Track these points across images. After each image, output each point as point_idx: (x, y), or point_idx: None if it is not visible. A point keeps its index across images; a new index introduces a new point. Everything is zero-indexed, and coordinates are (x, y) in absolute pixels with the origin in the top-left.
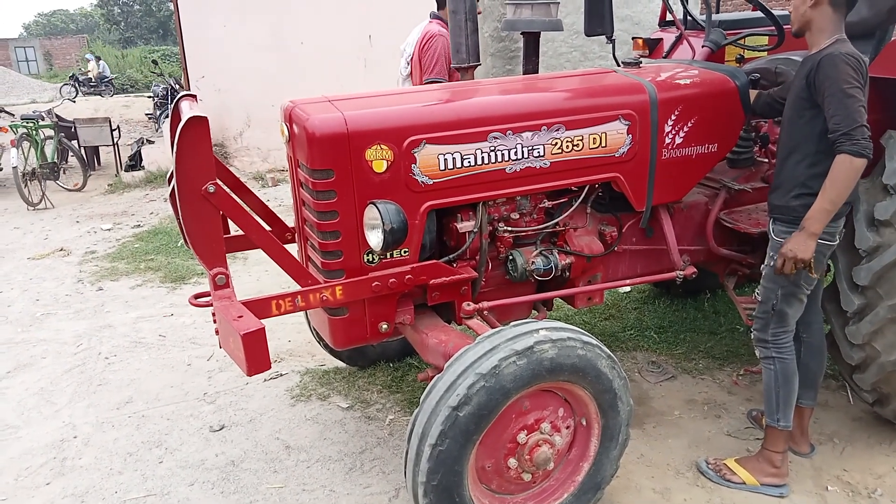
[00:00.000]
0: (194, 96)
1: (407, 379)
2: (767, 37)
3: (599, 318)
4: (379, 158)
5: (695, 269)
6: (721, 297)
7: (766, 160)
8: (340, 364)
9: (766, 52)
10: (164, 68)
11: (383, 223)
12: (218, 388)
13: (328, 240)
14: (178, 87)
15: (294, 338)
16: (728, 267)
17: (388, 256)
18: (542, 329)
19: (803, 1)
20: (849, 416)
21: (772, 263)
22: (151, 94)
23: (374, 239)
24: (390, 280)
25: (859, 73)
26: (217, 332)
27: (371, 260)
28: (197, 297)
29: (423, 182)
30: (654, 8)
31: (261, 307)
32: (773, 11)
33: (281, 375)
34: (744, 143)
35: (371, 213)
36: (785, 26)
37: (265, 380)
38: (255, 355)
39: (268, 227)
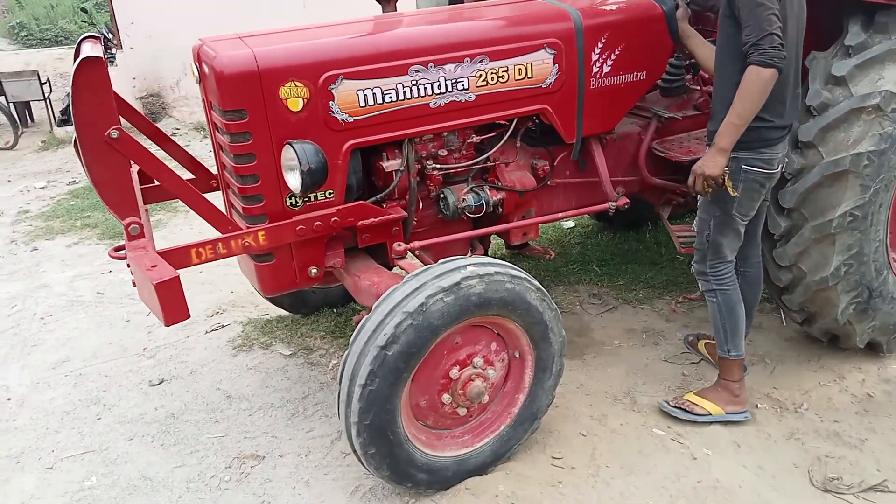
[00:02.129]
0: (98, 37)
1: (350, 324)
2: None
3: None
4: (294, 96)
5: (627, 200)
6: (662, 228)
7: (698, 87)
8: (283, 313)
9: None
10: (96, 17)
11: (300, 164)
12: (158, 342)
13: (247, 184)
14: (110, 35)
15: (237, 289)
16: (663, 196)
17: (312, 199)
18: (469, 265)
19: None
20: (781, 336)
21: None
22: None
23: (293, 180)
24: (315, 223)
25: None
26: (134, 284)
27: (294, 203)
28: (117, 249)
29: (343, 120)
30: None
31: (180, 256)
32: None
33: (223, 327)
34: (675, 71)
35: (288, 154)
36: None
37: (206, 332)
38: (171, 305)
39: (192, 175)
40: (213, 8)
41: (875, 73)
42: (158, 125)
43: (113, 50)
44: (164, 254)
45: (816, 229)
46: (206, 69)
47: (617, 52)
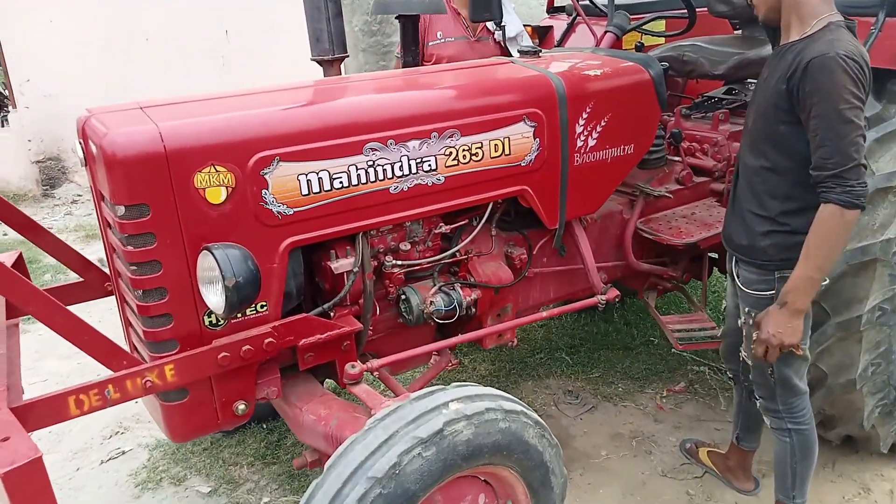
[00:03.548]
0: None
1: (285, 444)
2: (665, 21)
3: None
4: (215, 185)
5: (618, 293)
6: (630, 306)
7: (679, 159)
8: None
9: (664, 39)
10: None
11: (224, 276)
12: None
13: (150, 301)
14: (6, 92)
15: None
16: (647, 281)
17: (240, 315)
18: (451, 401)
19: None
20: None
21: (750, 321)
22: None
23: (214, 298)
24: (244, 348)
25: (861, 83)
26: None
27: (215, 322)
28: None
29: (279, 212)
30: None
31: (51, 409)
32: None
33: (124, 453)
34: (655, 141)
35: (206, 263)
36: (698, 9)
37: (102, 462)
38: (28, 502)
39: (79, 278)
40: (119, 66)
41: None
42: (57, 191)
43: (8, 108)
44: (27, 409)
45: (841, 326)
46: (93, 149)
47: (603, 124)
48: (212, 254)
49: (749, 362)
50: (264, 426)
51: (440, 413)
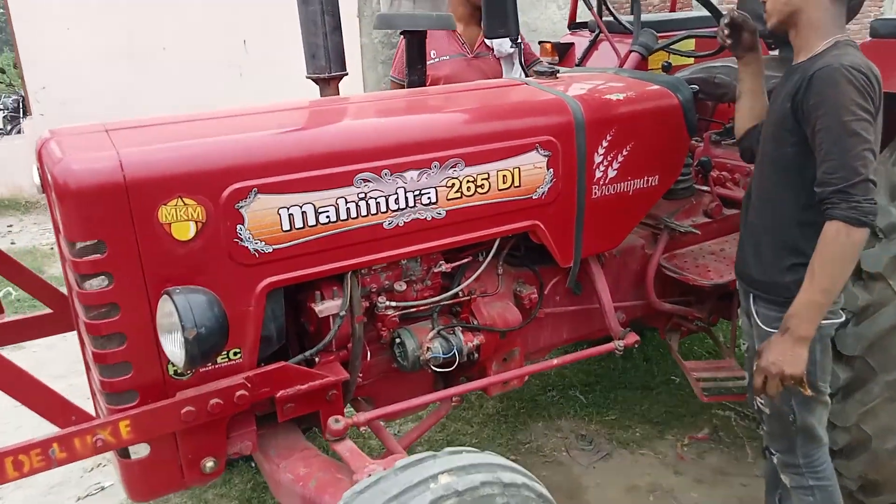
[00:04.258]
0: None
1: None
2: (695, 40)
3: None
4: (182, 219)
5: (637, 338)
6: (650, 341)
7: (708, 189)
8: None
9: (692, 59)
10: (13, 78)
11: (184, 326)
12: None
13: (107, 348)
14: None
15: None
16: (670, 321)
17: (209, 365)
18: (441, 473)
19: None
20: None
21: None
22: (1, 107)
23: (173, 349)
24: (212, 402)
25: (869, 96)
26: None
27: (181, 371)
28: None
29: (256, 250)
30: (550, 14)
31: None
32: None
33: (103, 489)
34: (682, 170)
35: (165, 309)
36: None
37: (79, 499)
38: None
39: (48, 310)
40: (136, 75)
41: None
42: None
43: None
44: None
45: (890, 385)
46: (49, 177)
47: (625, 153)
48: (171, 299)
49: (766, 410)
50: (252, 465)
51: (427, 488)
